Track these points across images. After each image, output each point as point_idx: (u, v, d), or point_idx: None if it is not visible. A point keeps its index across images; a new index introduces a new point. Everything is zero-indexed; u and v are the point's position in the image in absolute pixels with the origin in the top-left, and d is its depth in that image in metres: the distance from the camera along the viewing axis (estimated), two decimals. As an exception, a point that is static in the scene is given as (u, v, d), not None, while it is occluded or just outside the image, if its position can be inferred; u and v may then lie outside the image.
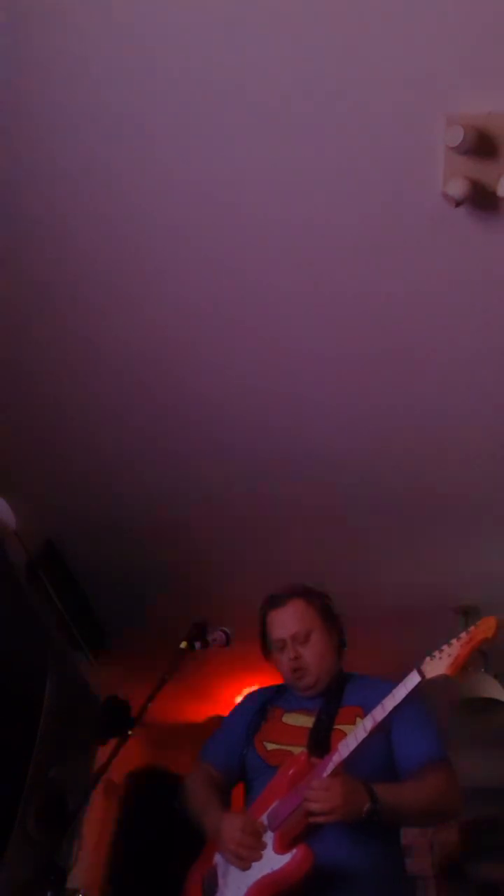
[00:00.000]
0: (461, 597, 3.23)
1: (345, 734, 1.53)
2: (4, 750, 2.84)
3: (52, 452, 2.61)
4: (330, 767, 1.47)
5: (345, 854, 1.46)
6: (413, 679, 1.46)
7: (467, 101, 1.44)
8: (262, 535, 2.97)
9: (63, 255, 1.88)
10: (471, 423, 2.29)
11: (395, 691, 1.48)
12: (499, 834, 4.56)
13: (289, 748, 1.65)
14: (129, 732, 1.75)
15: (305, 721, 1.70)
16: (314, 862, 1.42)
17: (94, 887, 4.14)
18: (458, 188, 1.52)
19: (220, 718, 4.42)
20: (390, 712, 1.47)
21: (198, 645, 1.74)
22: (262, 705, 1.84)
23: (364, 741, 1.47)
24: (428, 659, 1.48)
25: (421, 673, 1.46)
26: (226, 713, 2.02)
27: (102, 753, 4.00)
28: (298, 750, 1.61)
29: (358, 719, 1.55)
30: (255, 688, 2.03)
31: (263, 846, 1.48)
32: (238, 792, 1.79)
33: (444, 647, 1.47)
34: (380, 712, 1.47)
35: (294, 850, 1.43)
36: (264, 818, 1.54)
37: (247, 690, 2.01)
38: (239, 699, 2.02)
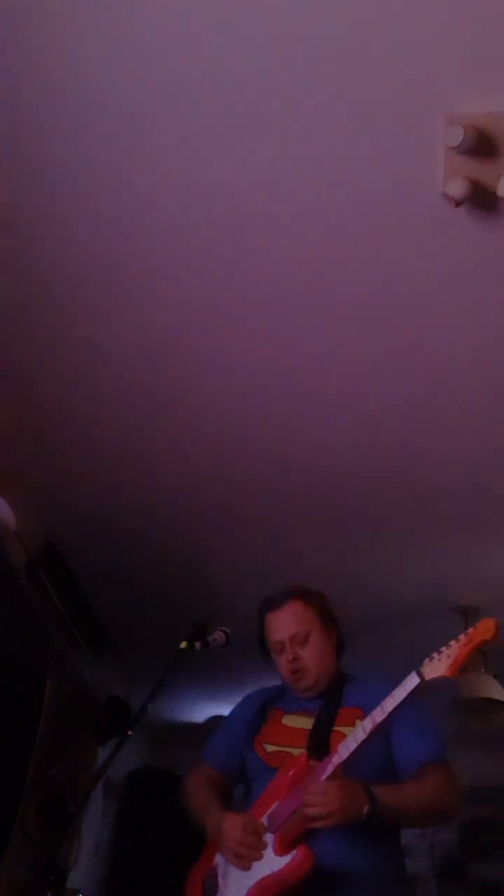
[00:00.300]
0: (461, 597, 3.23)
1: (344, 736, 1.53)
2: (4, 750, 2.84)
3: (52, 452, 2.61)
4: (329, 769, 1.48)
5: (345, 855, 1.47)
6: (412, 681, 1.47)
7: (467, 101, 1.44)
8: (262, 535, 2.97)
9: (63, 254, 1.88)
10: (471, 423, 2.29)
11: (394, 693, 1.48)
12: (499, 834, 4.56)
13: (288, 750, 1.65)
14: (129, 732, 1.75)
15: (305, 723, 1.71)
16: (314, 863, 1.42)
17: (94, 887, 4.14)
18: (458, 188, 1.52)
19: (220, 718, 4.43)
20: (389, 714, 1.47)
21: (198, 645, 1.74)
22: (262, 707, 1.84)
23: (363, 743, 1.47)
24: (427, 660, 1.48)
25: (420, 675, 1.46)
26: (226, 713, 2.03)
27: (102, 753, 4.00)
28: (298, 752, 1.62)
29: (357, 721, 1.55)
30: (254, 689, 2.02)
31: (264, 846, 1.48)
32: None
33: (443, 649, 1.47)
34: (379, 714, 1.48)
35: (294, 852, 1.44)
36: (264, 819, 1.54)
37: (247, 691, 2.01)
38: (238, 699, 2.02)
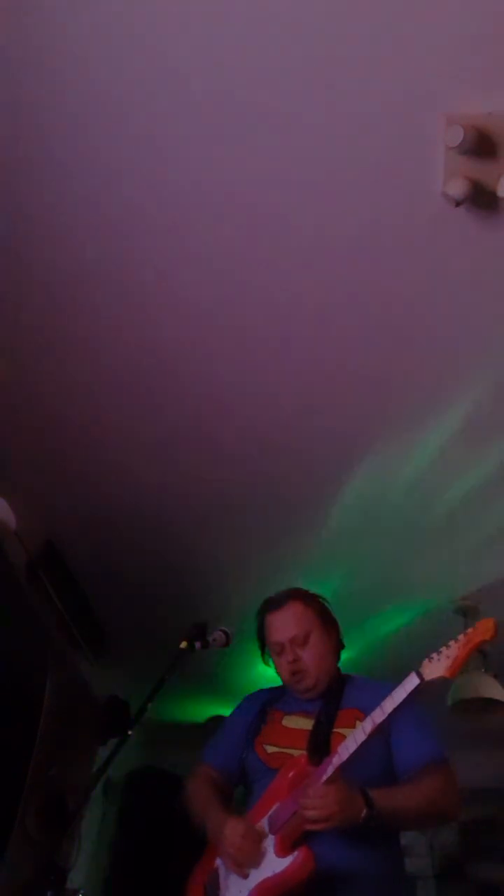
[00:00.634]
0: (461, 597, 3.23)
1: (344, 737, 1.53)
2: (4, 750, 2.84)
3: (52, 452, 2.61)
4: (329, 770, 1.48)
5: (345, 855, 1.47)
6: (412, 681, 1.47)
7: (467, 101, 1.44)
8: (262, 535, 2.96)
9: (63, 255, 1.88)
10: (471, 422, 2.29)
11: (394, 693, 1.48)
12: (499, 834, 4.56)
13: (288, 751, 1.65)
14: (129, 732, 1.75)
15: (305, 724, 1.71)
16: (315, 864, 1.42)
17: (94, 887, 4.14)
18: (458, 188, 1.52)
19: (220, 718, 4.43)
20: (389, 714, 1.47)
21: (198, 645, 1.74)
22: (262, 708, 1.84)
23: (363, 744, 1.47)
24: (426, 661, 1.48)
25: (420, 675, 1.46)
26: (226, 713, 2.03)
27: (102, 753, 4.00)
28: (298, 753, 1.62)
29: (357, 722, 1.55)
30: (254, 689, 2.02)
31: (263, 854, 1.48)
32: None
33: (443, 649, 1.47)
34: (379, 714, 1.47)
35: (295, 853, 1.44)
36: (265, 821, 1.54)
37: (247, 691, 2.01)
38: (239, 700, 2.02)
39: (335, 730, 1.64)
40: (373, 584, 3.19)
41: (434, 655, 1.47)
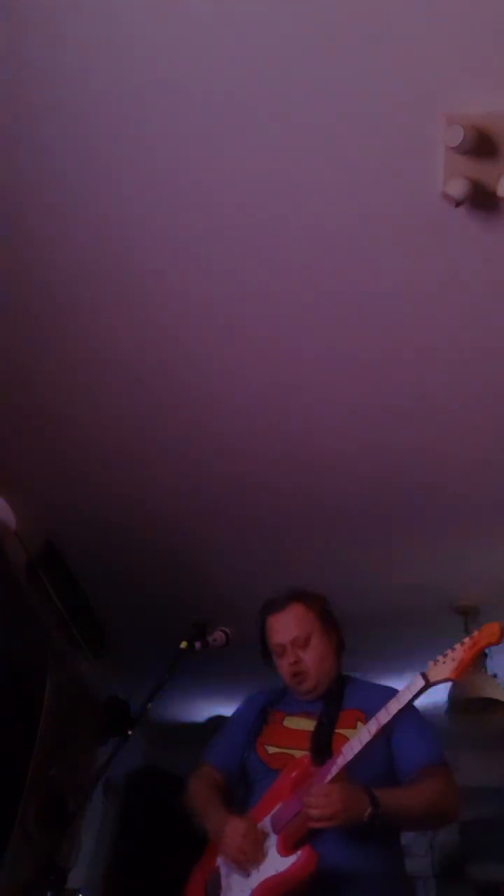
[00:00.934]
0: (461, 597, 3.23)
1: (345, 738, 1.53)
2: (4, 750, 2.84)
3: (52, 452, 2.61)
4: (334, 771, 1.48)
5: (347, 855, 1.47)
6: (417, 683, 1.47)
7: (467, 101, 1.44)
8: (262, 535, 2.97)
9: (63, 257, 1.88)
10: (471, 423, 2.29)
11: (399, 695, 1.49)
12: (499, 834, 4.56)
13: (290, 751, 1.66)
14: (129, 732, 1.75)
15: (306, 725, 1.71)
16: (318, 863, 1.42)
17: (94, 887, 4.14)
18: (458, 188, 1.52)
19: (220, 718, 4.43)
20: (394, 716, 1.47)
21: (198, 645, 1.74)
22: (263, 708, 1.84)
23: (367, 744, 1.47)
24: (432, 663, 1.50)
25: (425, 677, 1.47)
26: (226, 713, 2.03)
27: (102, 753, 4.00)
28: (299, 753, 1.62)
29: (359, 723, 1.56)
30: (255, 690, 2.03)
31: (264, 854, 1.49)
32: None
33: (448, 652, 1.48)
34: (384, 716, 1.48)
35: (298, 852, 1.44)
36: (267, 821, 1.55)
37: (247, 691, 2.01)
38: (239, 700, 2.02)
39: (337, 731, 1.65)
40: (373, 584, 3.19)
41: (440, 658, 1.49)
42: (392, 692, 1.52)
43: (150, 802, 4.34)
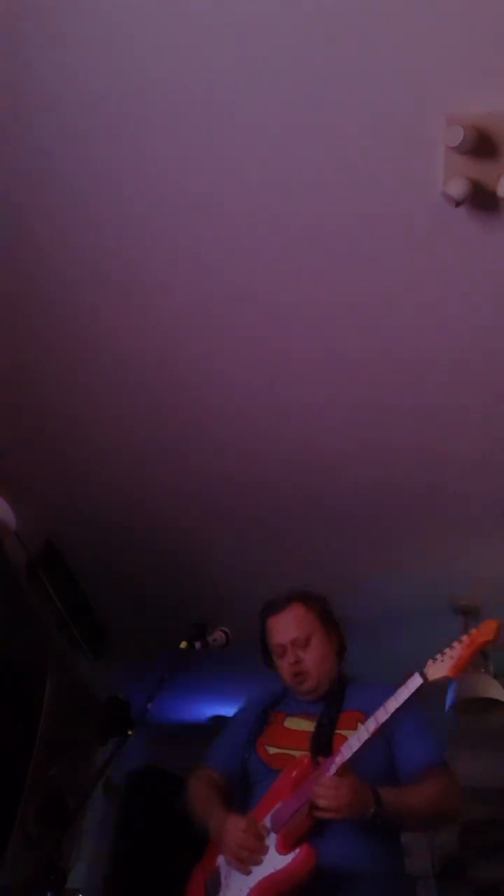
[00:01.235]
0: (461, 597, 3.23)
1: (346, 738, 1.54)
2: (4, 750, 2.84)
3: (52, 452, 2.61)
4: (333, 769, 1.48)
5: (347, 854, 1.47)
6: (415, 681, 1.48)
7: (467, 101, 1.44)
8: (262, 535, 2.97)
9: (63, 256, 1.88)
10: (471, 423, 2.29)
11: (397, 693, 1.49)
12: (499, 834, 4.56)
13: (290, 752, 1.66)
14: (129, 732, 1.75)
15: (307, 725, 1.71)
16: (317, 861, 1.42)
17: (94, 887, 4.14)
18: (458, 188, 1.52)
19: (221, 718, 4.44)
20: (392, 714, 1.48)
21: (198, 645, 1.74)
22: (264, 709, 1.84)
23: (366, 743, 1.48)
24: (430, 661, 1.50)
25: (423, 675, 1.47)
26: (226, 713, 2.03)
27: (102, 753, 4.00)
28: (300, 754, 1.62)
29: (359, 724, 1.56)
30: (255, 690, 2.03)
31: (265, 850, 1.49)
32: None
33: (447, 650, 1.48)
34: (382, 714, 1.48)
35: (297, 850, 1.44)
36: (267, 820, 1.55)
37: (247, 691, 2.01)
38: (240, 700, 2.02)
39: (337, 731, 1.65)
40: (373, 584, 3.19)
41: (438, 656, 1.49)
42: (392, 692, 1.52)
43: (150, 802, 4.35)
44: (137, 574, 3.27)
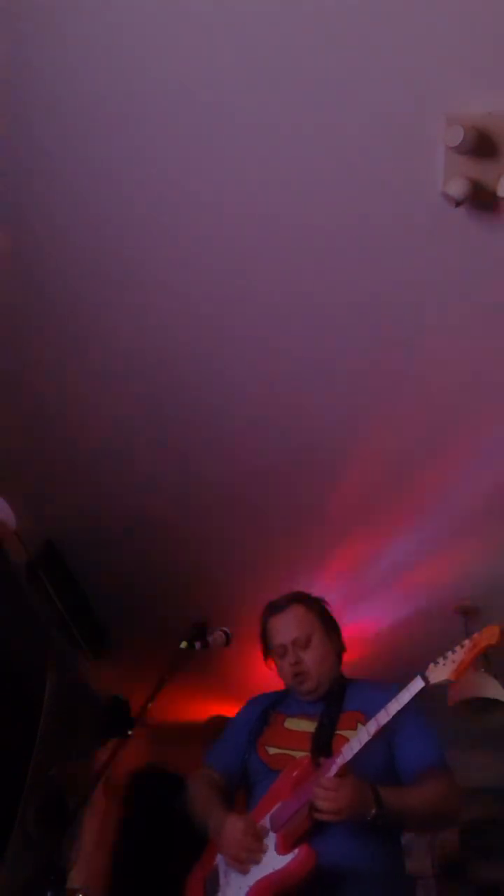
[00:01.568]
0: (461, 597, 3.23)
1: (346, 739, 1.54)
2: (4, 750, 2.84)
3: (52, 452, 2.61)
4: (334, 770, 1.48)
5: (346, 854, 1.47)
6: (417, 684, 1.48)
7: (467, 101, 1.44)
8: (261, 535, 2.97)
9: (62, 257, 1.88)
10: (471, 423, 2.29)
11: (399, 696, 1.49)
12: (499, 834, 4.56)
13: (290, 752, 1.66)
14: (129, 732, 1.75)
15: (307, 726, 1.71)
16: (316, 862, 1.42)
17: (94, 887, 4.14)
18: (458, 188, 1.52)
19: (220, 718, 4.43)
20: (394, 716, 1.48)
21: (198, 645, 1.74)
22: (265, 710, 1.85)
23: (367, 744, 1.48)
24: (432, 665, 1.50)
25: (425, 678, 1.48)
26: (226, 713, 2.03)
27: (102, 753, 4.00)
28: (300, 754, 1.62)
29: (359, 725, 1.56)
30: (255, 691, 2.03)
31: (264, 850, 1.49)
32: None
33: (449, 654, 1.49)
34: (384, 716, 1.49)
35: (296, 851, 1.44)
36: (267, 820, 1.55)
37: (247, 691, 2.01)
38: (240, 700, 2.02)
39: (337, 732, 1.65)
40: (373, 584, 3.19)
41: (440, 660, 1.49)
42: (393, 693, 1.52)
43: (150, 802, 4.34)
44: (137, 574, 3.27)
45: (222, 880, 1.56)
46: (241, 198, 1.69)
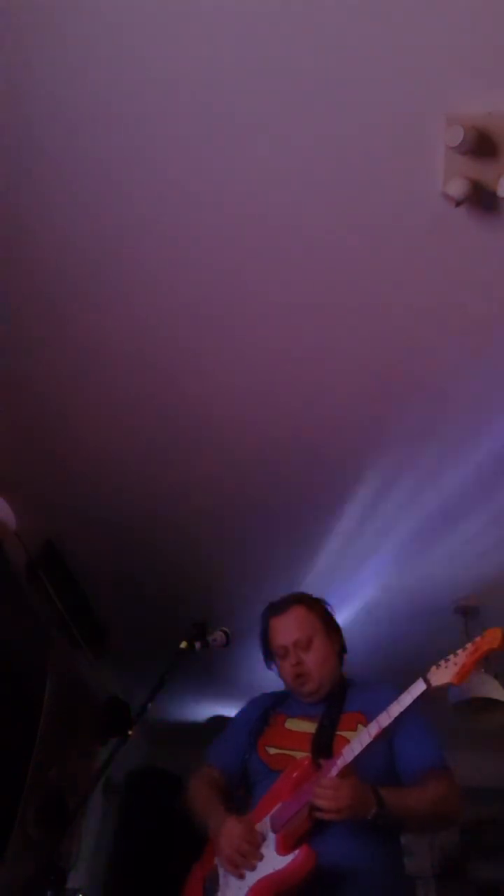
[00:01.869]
0: (461, 597, 3.23)
1: (346, 740, 1.54)
2: (4, 750, 2.84)
3: (52, 452, 2.61)
4: (335, 771, 1.48)
5: (346, 854, 1.47)
6: (419, 687, 1.48)
7: (467, 101, 1.44)
8: (261, 535, 2.97)
9: (62, 258, 1.88)
10: (471, 422, 2.29)
11: (401, 698, 1.49)
12: (499, 834, 4.56)
13: (291, 753, 1.66)
14: (129, 732, 1.75)
15: (308, 727, 1.71)
16: (316, 862, 1.42)
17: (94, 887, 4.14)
18: (458, 188, 1.52)
19: (220, 718, 4.43)
20: (395, 718, 1.48)
21: (198, 645, 1.74)
22: (265, 711, 1.85)
23: (368, 746, 1.48)
24: (433, 668, 1.50)
25: (427, 681, 1.48)
26: (226, 713, 2.03)
27: (102, 753, 4.00)
28: (300, 755, 1.62)
29: (360, 726, 1.56)
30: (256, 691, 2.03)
31: (260, 857, 1.49)
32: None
33: (451, 657, 1.49)
34: (385, 718, 1.49)
35: (296, 851, 1.44)
36: (267, 820, 1.55)
37: (247, 691, 2.01)
38: (240, 700, 2.02)
39: (338, 733, 1.65)
40: (373, 585, 3.19)
41: (442, 663, 1.50)
42: (394, 695, 1.52)
43: (150, 802, 4.34)
44: (137, 574, 3.27)
45: (222, 880, 1.56)
46: (241, 198, 1.69)
